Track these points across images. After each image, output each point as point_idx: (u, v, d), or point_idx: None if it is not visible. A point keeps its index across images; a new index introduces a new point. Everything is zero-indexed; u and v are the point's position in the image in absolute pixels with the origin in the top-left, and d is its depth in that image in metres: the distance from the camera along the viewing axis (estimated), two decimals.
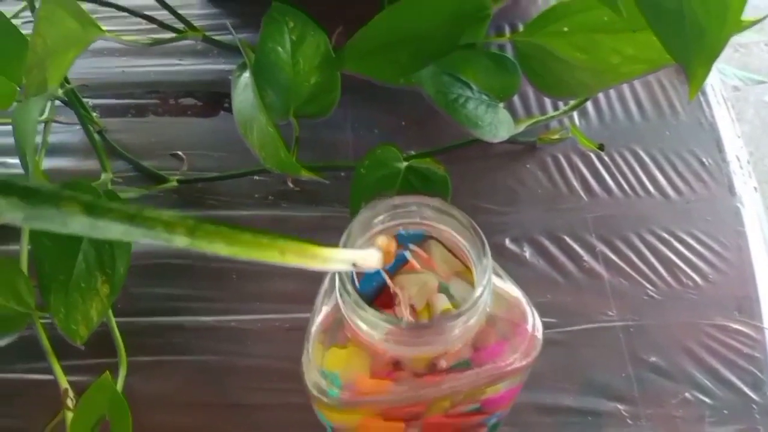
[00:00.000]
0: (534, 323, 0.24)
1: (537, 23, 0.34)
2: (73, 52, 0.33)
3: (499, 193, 0.42)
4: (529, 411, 0.34)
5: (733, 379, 0.35)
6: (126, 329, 0.36)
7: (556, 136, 0.42)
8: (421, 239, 0.26)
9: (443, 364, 0.23)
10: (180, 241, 0.15)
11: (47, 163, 0.42)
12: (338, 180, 0.42)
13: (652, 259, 0.39)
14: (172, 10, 0.40)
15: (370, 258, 0.22)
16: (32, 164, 0.32)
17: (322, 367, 0.24)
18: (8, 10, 0.42)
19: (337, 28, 0.42)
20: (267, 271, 0.39)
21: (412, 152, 0.40)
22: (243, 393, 0.35)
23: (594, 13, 0.32)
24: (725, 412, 0.34)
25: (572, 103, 0.41)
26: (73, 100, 0.38)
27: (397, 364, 0.24)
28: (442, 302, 0.25)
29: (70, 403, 0.33)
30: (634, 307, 0.38)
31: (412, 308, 0.24)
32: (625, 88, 0.46)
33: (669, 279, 0.38)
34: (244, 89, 0.35)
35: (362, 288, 0.25)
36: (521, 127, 0.41)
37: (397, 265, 0.25)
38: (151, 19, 0.39)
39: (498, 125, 0.35)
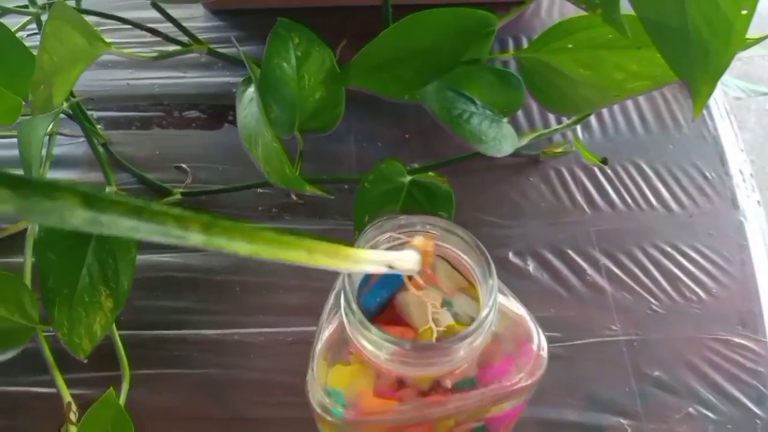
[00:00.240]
0: (539, 342, 0.24)
1: (541, 40, 0.34)
2: (79, 68, 0.33)
3: (503, 206, 0.42)
4: (533, 426, 0.34)
5: (737, 393, 0.35)
6: (129, 342, 0.36)
7: (560, 150, 0.42)
8: None
9: (448, 383, 0.23)
10: (195, 239, 0.13)
11: (51, 175, 0.42)
12: (342, 193, 0.42)
13: (656, 273, 0.39)
14: (176, 23, 0.40)
15: (408, 259, 0.22)
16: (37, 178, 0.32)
17: (327, 385, 0.24)
18: (14, 23, 0.42)
19: (342, 41, 0.42)
20: (270, 284, 0.39)
21: (416, 165, 0.40)
22: (246, 407, 0.35)
23: (598, 30, 0.32)
24: (729, 427, 0.34)
25: (575, 116, 0.41)
26: (77, 113, 0.39)
27: (401, 382, 0.24)
28: (447, 318, 0.25)
29: (73, 416, 0.33)
30: (638, 321, 0.38)
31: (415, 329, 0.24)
32: (629, 101, 0.46)
33: (672, 293, 0.38)
34: (248, 103, 0.35)
35: (366, 304, 0.25)
36: (525, 141, 0.41)
37: (397, 284, 0.25)
38: (155, 32, 0.40)
39: (502, 140, 0.35)
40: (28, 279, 0.35)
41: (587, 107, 0.36)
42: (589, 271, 0.39)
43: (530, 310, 0.26)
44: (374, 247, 0.24)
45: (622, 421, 0.35)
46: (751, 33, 0.29)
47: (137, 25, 0.39)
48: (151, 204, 0.13)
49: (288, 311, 0.38)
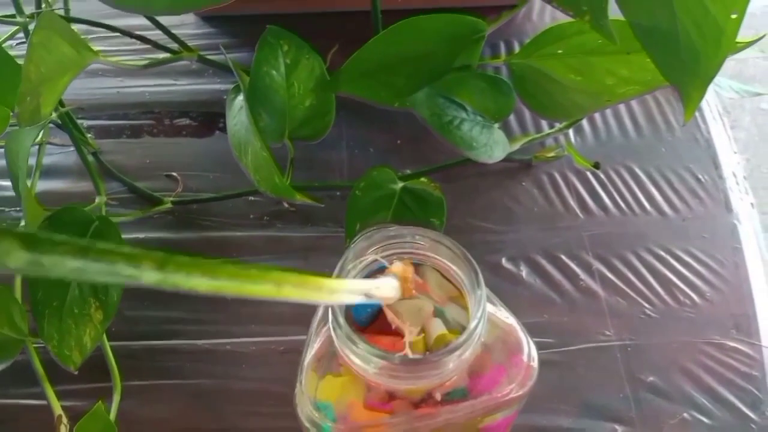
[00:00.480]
0: (529, 352, 0.24)
1: (532, 45, 0.34)
2: (67, 78, 0.33)
3: (495, 211, 0.41)
4: None
5: (731, 398, 0.35)
6: (120, 353, 0.36)
7: (552, 154, 0.42)
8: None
9: (438, 396, 0.23)
10: (148, 277, 0.13)
11: (41, 185, 0.42)
12: (333, 200, 0.42)
13: (649, 278, 0.39)
14: (166, 31, 0.40)
15: (386, 287, 0.21)
16: (24, 189, 0.32)
17: (316, 398, 0.24)
18: (1, 32, 0.42)
19: (333, 46, 0.42)
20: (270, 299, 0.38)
21: (408, 171, 0.40)
22: (238, 417, 0.35)
23: (588, 36, 0.32)
24: None
25: (567, 121, 0.40)
26: (66, 122, 0.38)
27: (392, 394, 0.24)
28: (438, 327, 0.25)
29: (63, 429, 0.33)
30: (631, 326, 0.37)
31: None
32: (621, 105, 0.46)
33: (666, 297, 0.38)
34: (238, 112, 0.35)
35: (356, 314, 0.25)
36: (516, 146, 0.40)
37: None
38: (145, 40, 0.39)
39: (493, 146, 0.35)
40: (17, 291, 0.35)
41: (578, 112, 0.36)
42: (583, 276, 0.39)
43: (523, 316, 0.26)
44: (362, 257, 0.23)
45: (616, 427, 0.34)
46: (745, 32, 0.29)
47: (126, 33, 0.39)
48: (96, 243, 0.12)
49: (280, 321, 0.37)
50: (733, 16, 0.26)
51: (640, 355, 0.36)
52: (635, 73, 0.32)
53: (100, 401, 0.31)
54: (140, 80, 0.47)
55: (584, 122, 0.45)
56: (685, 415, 0.35)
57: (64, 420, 0.33)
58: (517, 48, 0.47)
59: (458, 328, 0.24)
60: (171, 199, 0.41)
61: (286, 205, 0.41)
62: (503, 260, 0.40)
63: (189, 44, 0.40)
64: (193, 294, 0.13)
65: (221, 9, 0.30)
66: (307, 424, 0.23)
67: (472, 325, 0.22)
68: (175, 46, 0.40)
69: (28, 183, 0.39)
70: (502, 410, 0.25)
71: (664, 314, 0.38)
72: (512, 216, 0.41)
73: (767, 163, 1.20)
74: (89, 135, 0.44)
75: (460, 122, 0.34)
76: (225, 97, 0.37)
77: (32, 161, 0.42)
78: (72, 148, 0.41)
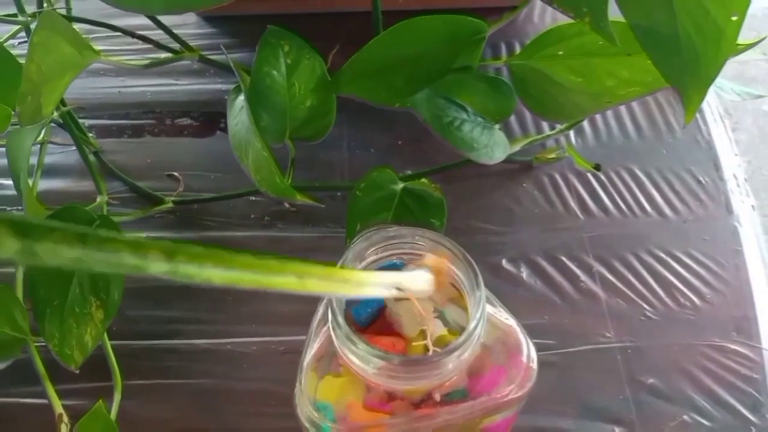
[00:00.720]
0: (528, 353, 0.24)
1: (532, 47, 0.34)
2: (68, 77, 0.33)
3: (496, 212, 0.41)
4: None
5: (732, 401, 0.35)
6: (121, 352, 0.36)
7: (553, 156, 0.42)
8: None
9: (437, 397, 0.23)
10: (156, 268, 0.12)
11: (43, 184, 0.42)
12: (334, 200, 0.42)
13: (650, 280, 0.39)
14: (168, 31, 0.40)
15: (420, 280, 0.20)
16: (25, 188, 0.32)
17: (316, 398, 0.24)
18: (4, 31, 0.42)
19: (334, 47, 0.42)
20: (263, 293, 0.38)
21: (409, 172, 0.40)
22: (238, 417, 0.35)
23: (589, 37, 0.32)
24: None
25: (568, 122, 0.41)
26: (68, 122, 0.38)
27: (392, 395, 0.24)
28: (438, 328, 0.25)
29: (64, 428, 0.33)
30: (632, 328, 0.37)
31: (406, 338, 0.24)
32: (622, 106, 0.46)
33: (666, 299, 0.38)
34: (239, 112, 0.35)
35: (356, 315, 0.25)
36: (517, 147, 0.41)
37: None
38: (147, 40, 0.39)
39: (494, 147, 0.35)
40: (18, 290, 0.35)
41: (579, 114, 0.36)
42: (583, 277, 0.39)
43: (523, 317, 0.26)
44: (361, 258, 0.23)
45: (616, 429, 0.34)
46: (747, 34, 0.29)
47: (128, 32, 0.39)
48: (97, 231, 0.11)
49: (280, 320, 0.37)
50: (734, 18, 0.26)
51: (640, 357, 0.36)
52: (636, 74, 0.32)
53: (100, 400, 0.31)
54: (142, 80, 0.47)
55: (585, 123, 0.44)
56: (685, 417, 0.35)
57: (65, 419, 0.33)
58: (518, 49, 0.47)
59: (458, 329, 0.24)
60: (172, 198, 0.41)
61: (287, 205, 0.41)
62: (504, 261, 0.40)
63: (190, 44, 0.40)
64: (205, 287, 0.12)
65: (222, 9, 0.30)
66: (306, 425, 0.23)
67: (472, 325, 0.22)
68: (176, 45, 0.40)
69: (30, 182, 0.39)
70: (502, 411, 0.25)
71: (665, 316, 0.38)
72: (513, 217, 0.41)
73: None
74: (90, 134, 0.44)
75: (461, 123, 0.35)
76: (226, 97, 0.37)
77: (33, 160, 0.42)
78: (73, 148, 0.41)
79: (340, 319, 0.22)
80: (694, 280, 0.39)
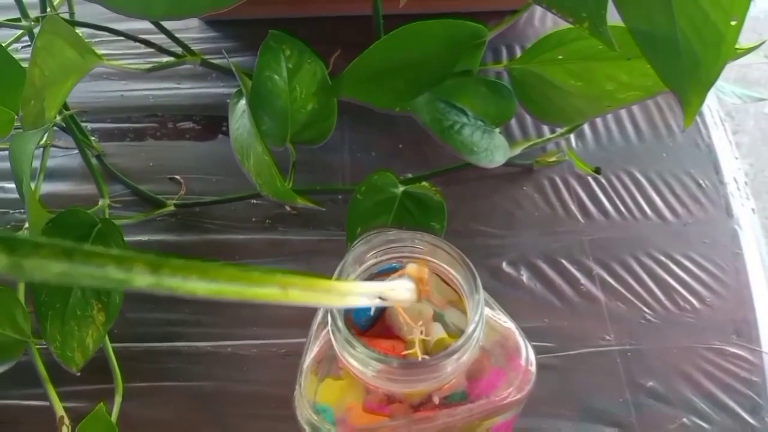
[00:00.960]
0: (527, 356, 0.24)
1: (532, 51, 0.34)
2: (71, 81, 0.33)
3: (496, 215, 0.42)
4: None
5: (731, 404, 0.35)
6: (123, 355, 0.36)
7: (553, 159, 0.42)
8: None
9: (436, 400, 0.23)
10: (141, 281, 0.12)
11: (45, 187, 0.42)
12: (335, 203, 0.42)
13: (650, 283, 0.39)
14: (170, 35, 0.40)
15: (402, 289, 0.20)
16: (28, 191, 0.32)
17: (316, 400, 0.24)
18: (7, 35, 0.42)
19: (335, 50, 0.42)
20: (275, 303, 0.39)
21: (410, 175, 0.40)
22: (239, 420, 0.35)
23: (588, 42, 0.32)
24: None
25: (568, 126, 0.41)
26: (71, 125, 0.39)
27: (391, 397, 0.24)
28: (438, 331, 0.25)
29: (65, 430, 0.33)
30: (632, 331, 0.37)
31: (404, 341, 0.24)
32: (622, 109, 0.46)
33: (666, 302, 0.38)
34: (241, 116, 0.35)
35: (356, 318, 0.25)
36: (518, 150, 0.41)
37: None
38: (149, 44, 0.40)
39: (494, 151, 0.35)
40: (21, 293, 0.35)
41: (579, 118, 0.36)
42: (583, 280, 0.39)
43: (524, 320, 0.26)
44: (361, 262, 0.24)
45: None
46: (749, 36, 0.29)
47: (130, 36, 0.39)
48: (83, 246, 0.11)
49: (281, 323, 0.37)
50: (733, 23, 0.26)
51: (640, 360, 0.37)
52: (636, 78, 0.32)
53: (101, 402, 0.31)
54: (144, 84, 0.48)
55: (585, 127, 0.45)
56: (685, 420, 0.35)
57: (66, 421, 0.33)
58: (518, 53, 0.48)
59: (457, 332, 0.24)
60: (174, 201, 0.41)
61: (287, 208, 0.42)
62: (504, 264, 0.40)
63: (193, 48, 0.40)
64: (190, 298, 0.13)
65: (224, 13, 0.30)
66: (306, 427, 0.24)
67: (470, 329, 0.22)
68: (178, 49, 0.40)
69: (32, 185, 0.40)
70: (501, 414, 0.25)
71: (665, 319, 0.38)
72: (513, 220, 0.41)
73: None
74: (93, 138, 0.45)
75: (461, 127, 0.35)
76: (228, 100, 0.37)
77: (36, 164, 0.42)
78: (76, 151, 0.42)
79: (340, 323, 0.22)
80: (694, 283, 0.39)
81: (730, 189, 0.42)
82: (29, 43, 0.40)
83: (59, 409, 0.33)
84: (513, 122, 0.45)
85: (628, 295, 0.38)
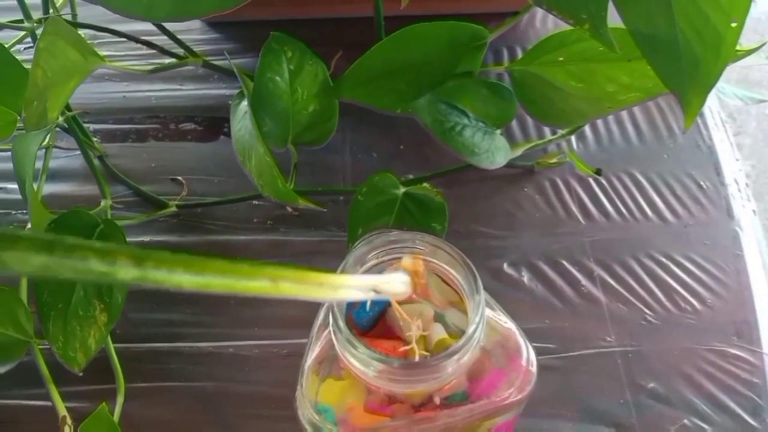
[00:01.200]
0: (528, 357, 0.24)
1: (533, 53, 0.34)
2: (73, 83, 0.33)
3: (497, 217, 0.42)
4: None
5: (732, 405, 0.35)
6: (124, 355, 0.36)
7: (554, 160, 0.43)
8: None
9: (437, 400, 0.23)
10: (125, 275, 0.12)
11: (48, 188, 0.42)
12: (336, 204, 0.42)
13: (651, 284, 0.39)
14: (172, 36, 0.40)
15: (396, 282, 0.20)
16: (30, 192, 0.33)
17: (317, 400, 0.24)
18: (10, 36, 0.42)
19: (337, 52, 0.42)
20: (265, 297, 0.39)
21: (411, 176, 0.40)
22: (241, 420, 0.35)
23: (589, 43, 0.32)
24: None
25: (569, 127, 0.41)
26: (73, 126, 0.39)
27: (392, 397, 0.24)
28: (439, 332, 0.25)
29: (67, 430, 0.33)
30: (633, 332, 0.38)
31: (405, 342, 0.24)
32: (623, 111, 0.46)
33: (667, 304, 0.38)
34: (242, 117, 0.35)
35: (357, 318, 0.25)
36: (519, 152, 0.41)
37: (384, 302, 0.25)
38: (151, 45, 0.40)
39: (495, 152, 0.35)
40: (23, 293, 0.35)
41: (580, 119, 0.36)
42: (584, 281, 0.39)
43: (524, 321, 0.26)
44: (362, 263, 0.24)
45: None
46: (750, 37, 0.29)
47: (132, 38, 0.40)
48: (65, 238, 0.11)
49: (283, 323, 0.38)
50: (733, 25, 0.26)
51: (641, 361, 0.37)
52: (636, 80, 0.32)
53: (103, 403, 0.31)
54: (146, 85, 0.48)
55: (586, 128, 0.45)
56: (686, 421, 0.35)
57: (69, 421, 0.33)
58: (520, 54, 0.48)
59: (458, 333, 0.25)
60: (176, 202, 0.42)
61: (289, 209, 0.42)
62: (505, 265, 0.40)
63: (194, 49, 0.40)
64: (176, 291, 0.12)
65: (226, 15, 0.30)
66: (308, 427, 0.24)
67: (471, 329, 0.22)
68: (180, 51, 0.40)
69: (35, 186, 0.40)
70: (501, 414, 0.25)
71: (666, 320, 0.38)
72: (514, 221, 0.41)
73: None
74: (95, 139, 0.45)
75: (462, 128, 0.35)
76: (230, 102, 0.38)
77: (39, 164, 0.42)
78: (78, 152, 0.42)
79: (341, 323, 0.22)
80: (695, 284, 0.39)
81: (731, 190, 0.43)
82: (32, 44, 0.40)
83: (61, 409, 0.33)
84: (514, 124, 0.45)
85: (629, 297, 0.39)
